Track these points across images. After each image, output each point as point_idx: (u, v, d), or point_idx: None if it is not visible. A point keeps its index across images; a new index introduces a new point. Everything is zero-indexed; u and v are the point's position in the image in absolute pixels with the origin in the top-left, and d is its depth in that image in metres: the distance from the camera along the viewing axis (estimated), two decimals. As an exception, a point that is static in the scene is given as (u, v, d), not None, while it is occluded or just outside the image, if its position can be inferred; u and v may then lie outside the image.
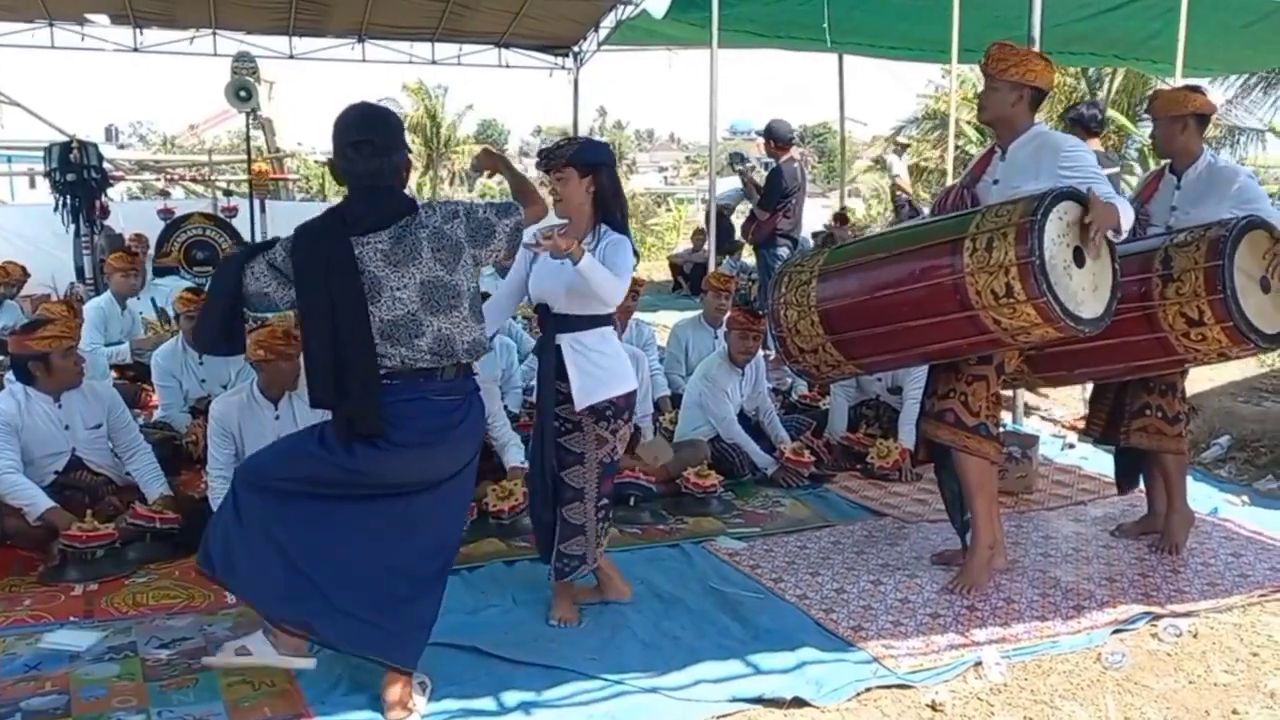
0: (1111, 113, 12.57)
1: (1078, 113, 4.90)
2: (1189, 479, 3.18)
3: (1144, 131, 12.86)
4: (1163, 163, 3.11)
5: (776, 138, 5.83)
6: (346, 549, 2.07)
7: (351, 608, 2.04)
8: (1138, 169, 12.48)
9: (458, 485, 2.17)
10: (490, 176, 2.66)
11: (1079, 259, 2.46)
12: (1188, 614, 2.60)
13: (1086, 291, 2.48)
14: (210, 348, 2.42)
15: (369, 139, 2.05)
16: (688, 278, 10.00)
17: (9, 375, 3.19)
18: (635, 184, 27.13)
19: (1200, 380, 4.99)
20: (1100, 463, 4.02)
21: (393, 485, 2.09)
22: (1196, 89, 3.06)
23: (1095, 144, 4.88)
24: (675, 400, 4.30)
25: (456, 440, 2.11)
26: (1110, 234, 2.48)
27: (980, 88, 2.81)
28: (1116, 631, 2.51)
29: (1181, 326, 2.66)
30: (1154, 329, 2.70)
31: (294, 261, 2.04)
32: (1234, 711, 2.15)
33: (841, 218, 8.67)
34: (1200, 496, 3.48)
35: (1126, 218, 2.49)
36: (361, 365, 1.99)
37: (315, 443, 2.08)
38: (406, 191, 2.17)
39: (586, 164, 2.43)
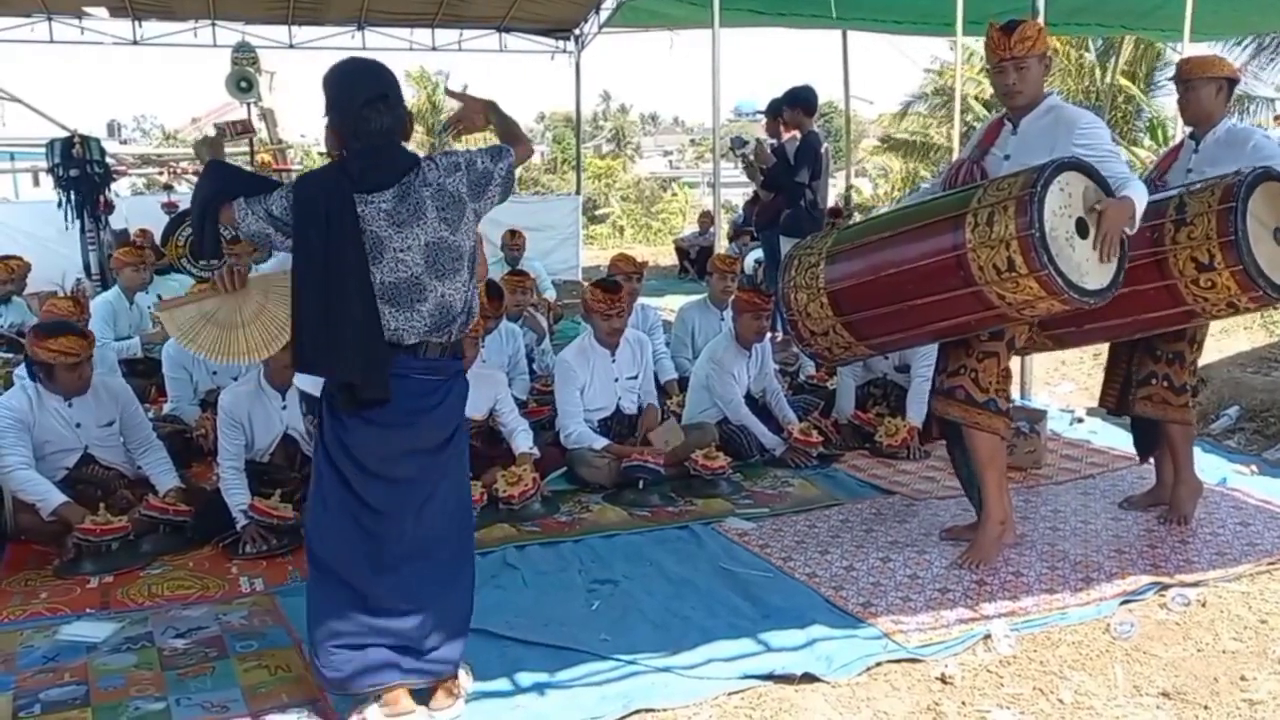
0: (1123, 82, 12.39)
1: (794, 95, 5.22)
2: (1198, 450, 3.17)
3: (1155, 103, 12.68)
4: (1183, 135, 3.10)
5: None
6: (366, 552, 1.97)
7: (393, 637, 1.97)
8: (1147, 140, 12.32)
9: (445, 460, 2.04)
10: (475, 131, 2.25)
11: (1082, 230, 2.43)
12: (1196, 583, 2.60)
13: (1091, 263, 2.44)
14: (204, 254, 2.21)
15: (383, 93, 1.95)
16: (693, 261, 9.96)
17: (19, 372, 3.22)
18: (640, 168, 26.99)
19: (1209, 351, 4.93)
20: (1109, 436, 4.01)
21: (375, 464, 1.98)
22: (1220, 57, 3.07)
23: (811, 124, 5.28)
24: (682, 383, 4.30)
25: (430, 423, 2.01)
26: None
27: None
28: (1125, 602, 2.52)
29: (1191, 272, 2.62)
30: (1164, 275, 2.66)
31: (294, 213, 1.94)
32: (1242, 678, 2.15)
33: (835, 211, 8.49)
34: (1209, 467, 3.47)
35: (1140, 202, 2.48)
36: (363, 328, 1.90)
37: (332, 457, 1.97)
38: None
39: None
